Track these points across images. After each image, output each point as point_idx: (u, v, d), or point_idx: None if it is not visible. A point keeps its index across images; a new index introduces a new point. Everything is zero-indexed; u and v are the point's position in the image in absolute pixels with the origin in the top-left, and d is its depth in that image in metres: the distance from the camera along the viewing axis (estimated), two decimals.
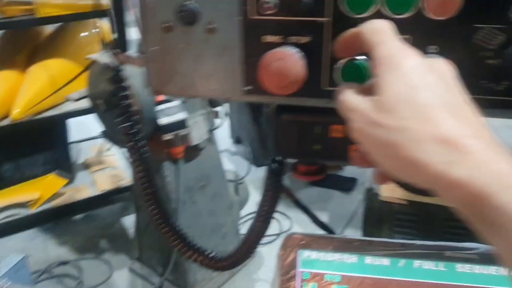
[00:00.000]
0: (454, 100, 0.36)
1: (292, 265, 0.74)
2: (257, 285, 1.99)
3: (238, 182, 2.08)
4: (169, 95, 0.55)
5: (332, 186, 2.61)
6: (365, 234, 1.84)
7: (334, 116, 0.44)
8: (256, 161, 2.75)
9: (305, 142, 0.59)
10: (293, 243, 0.75)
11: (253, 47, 0.51)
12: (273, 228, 2.47)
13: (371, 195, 1.80)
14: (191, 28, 0.51)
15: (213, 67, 0.53)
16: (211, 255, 0.79)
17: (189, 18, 0.50)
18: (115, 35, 0.56)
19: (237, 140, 2.96)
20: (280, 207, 2.39)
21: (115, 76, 0.66)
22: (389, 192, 1.68)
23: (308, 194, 2.56)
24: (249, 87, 0.53)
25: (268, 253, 2.06)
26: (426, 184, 0.35)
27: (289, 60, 0.48)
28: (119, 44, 0.57)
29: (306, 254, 0.74)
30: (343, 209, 2.47)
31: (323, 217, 2.44)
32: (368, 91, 0.40)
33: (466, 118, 0.35)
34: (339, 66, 0.50)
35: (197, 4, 0.50)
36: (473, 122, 0.35)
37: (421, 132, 0.34)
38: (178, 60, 0.54)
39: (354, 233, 2.28)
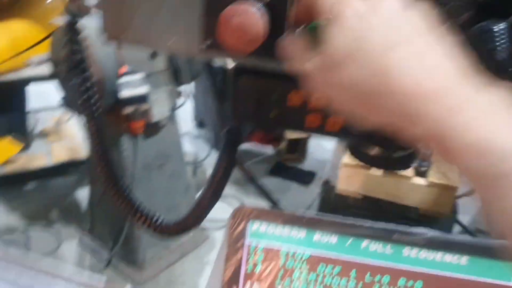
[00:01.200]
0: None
1: (241, 236, 0.74)
2: (207, 268, 1.98)
3: (196, 165, 2.06)
4: (125, 43, 0.52)
5: (291, 178, 2.62)
6: None
7: (293, 83, 0.43)
8: (218, 146, 2.72)
9: (262, 108, 0.58)
10: (243, 214, 0.74)
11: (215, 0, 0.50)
12: (225, 212, 2.45)
13: (327, 188, 1.81)
14: None
15: (173, 19, 0.52)
16: (158, 220, 0.77)
17: None
18: None
19: (200, 124, 2.92)
20: (233, 190, 2.39)
21: (70, 26, 0.63)
22: (345, 185, 1.69)
23: (266, 184, 2.56)
24: (207, 42, 0.52)
25: (220, 238, 2.05)
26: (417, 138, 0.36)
27: (249, 15, 0.46)
28: None
29: (255, 226, 0.74)
30: (300, 202, 2.48)
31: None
32: None
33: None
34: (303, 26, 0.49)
35: None
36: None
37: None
38: (137, 9, 0.52)
39: None
